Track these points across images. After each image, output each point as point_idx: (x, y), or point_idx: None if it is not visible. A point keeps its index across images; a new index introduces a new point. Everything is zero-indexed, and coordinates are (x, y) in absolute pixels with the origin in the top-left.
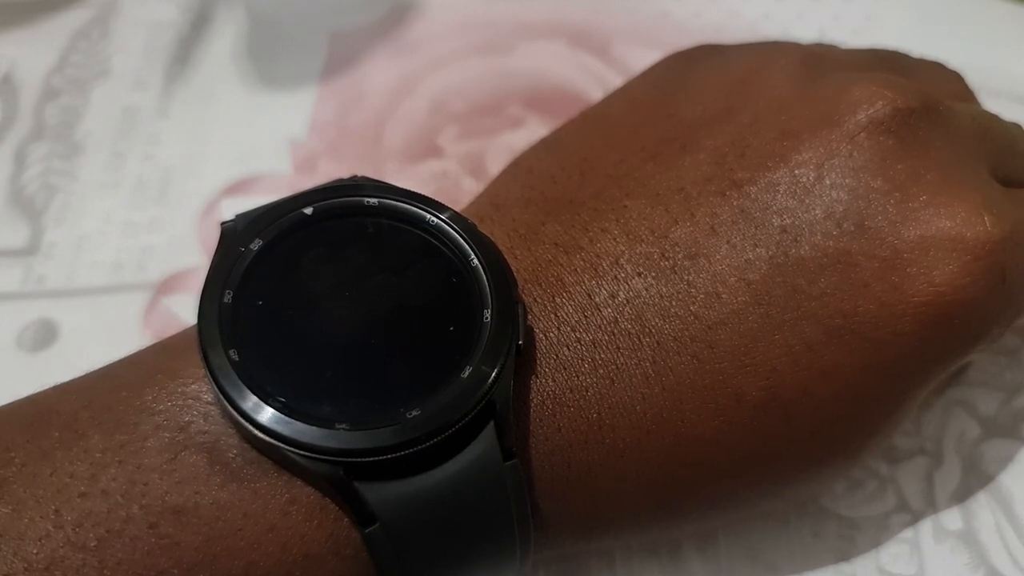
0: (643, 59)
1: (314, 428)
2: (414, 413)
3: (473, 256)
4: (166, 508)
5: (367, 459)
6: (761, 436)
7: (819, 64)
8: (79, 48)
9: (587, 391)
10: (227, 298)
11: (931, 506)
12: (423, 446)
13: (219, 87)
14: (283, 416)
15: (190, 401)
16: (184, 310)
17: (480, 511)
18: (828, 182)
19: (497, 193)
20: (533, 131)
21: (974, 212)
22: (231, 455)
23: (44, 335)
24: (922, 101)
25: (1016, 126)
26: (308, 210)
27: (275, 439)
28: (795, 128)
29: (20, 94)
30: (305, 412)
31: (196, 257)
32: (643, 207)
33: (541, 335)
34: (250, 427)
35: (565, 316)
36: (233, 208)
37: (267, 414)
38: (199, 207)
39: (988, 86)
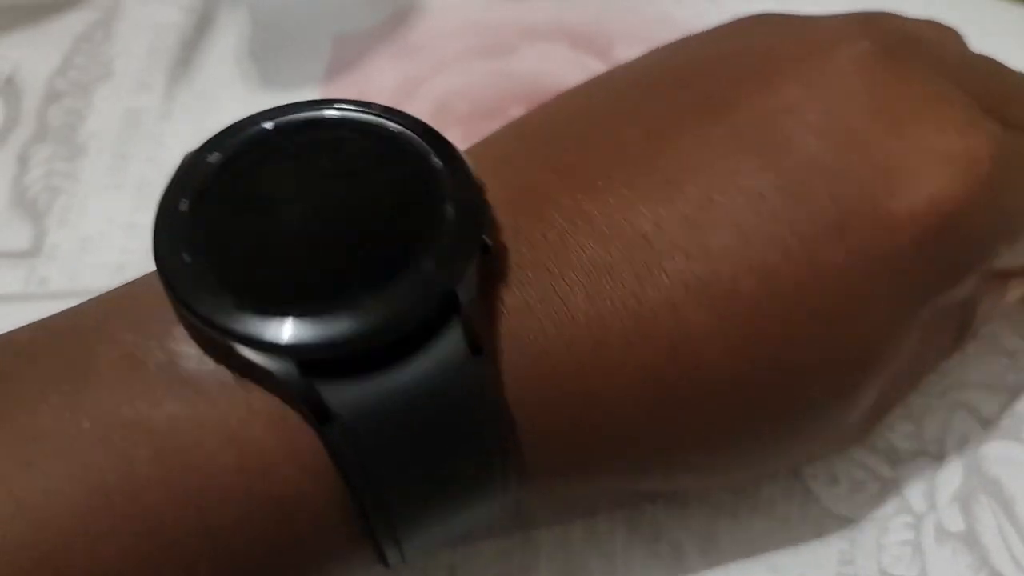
0: None
1: (266, 320)
2: (370, 304)
3: (432, 155)
4: (116, 422)
5: (322, 354)
6: (757, 329)
7: (815, 21)
8: (82, 50)
9: (574, 294)
10: (183, 207)
11: (933, 508)
12: (379, 338)
13: (222, 89)
14: (235, 311)
15: (150, 324)
16: None
17: (445, 408)
18: (815, 102)
19: (492, 136)
20: None
21: (964, 127)
22: (189, 367)
23: None
24: (907, 36)
25: (1018, 75)
26: (268, 124)
27: (227, 335)
28: (782, 61)
29: (23, 96)
30: (257, 307)
31: None
32: (637, 133)
33: (528, 246)
34: (202, 325)
35: (553, 225)
36: None
37: (219, 311)
38: None
39: None
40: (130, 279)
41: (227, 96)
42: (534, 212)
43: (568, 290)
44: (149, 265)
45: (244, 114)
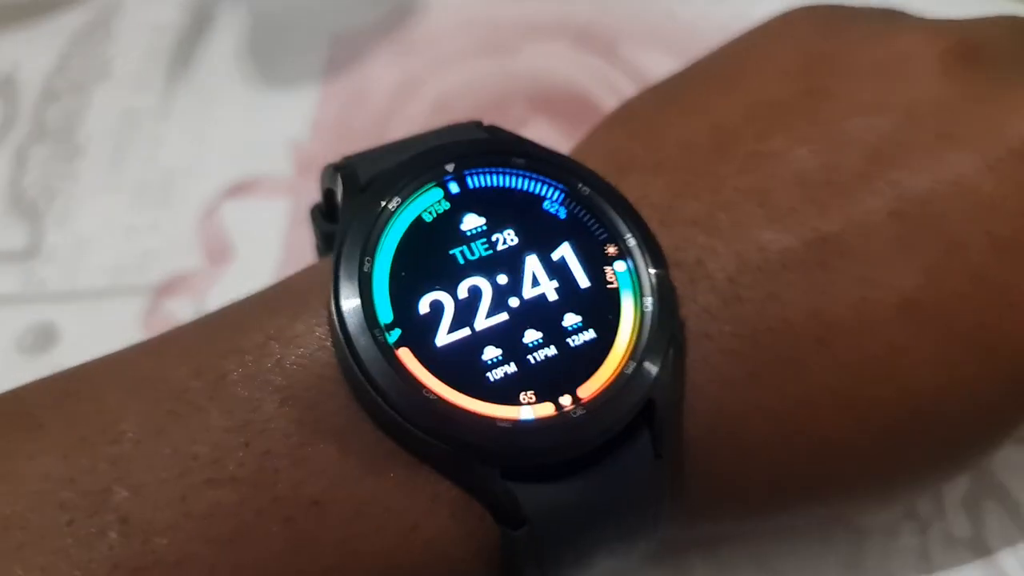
0: (649, 60)
1: (474, 426)
2: (579, 413)
3: (629, 235)
4: (301, 500)
5: (530, 461)
6: (893, 439)
7: (974, 57)
8: (80, 49)
9: (725, 385)
10: (366, 267)
11: (940, 513)
12: (588, 447)
13: (220, 88)
14: (439, 411)
15: (315, 378)
16: (185, 313)
17: (624, 508)
18: (987, 191)
19: (616, 149)
20: (538, 132)
21: None
22: (365, 444)
23: (44, 338)
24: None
25: None
26: (449, 166)
27: (433, 436)
28: (956, 132)
29: (21, 96)
30: (462, 407)
31: (197, 259)
32: (791, 195)
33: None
34: (404, 422)
35: (705, 304)
36: (235, 210)
37: (423, 409)
38: (200, 209)
39: None
40: (128, 280)
41: (226, 95)
42: (687, 286)
43: (720, 384)
44: (146, 267)
45: (242, 114)
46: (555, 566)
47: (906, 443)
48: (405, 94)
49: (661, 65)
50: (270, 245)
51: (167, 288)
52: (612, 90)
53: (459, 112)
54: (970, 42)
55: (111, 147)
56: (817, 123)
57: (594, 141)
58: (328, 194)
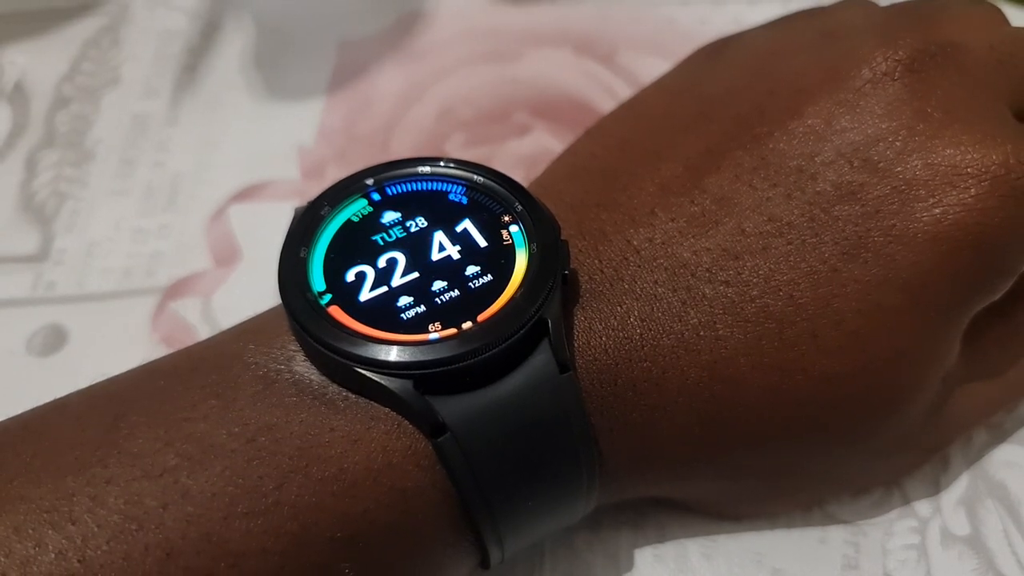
0: (649, 66)
1: (385, 347)
2: (475, 330)
3: (517, 203)
4: (260, 426)
5: (433, 370)
6: (790, 349)
7: (834, 34)
8: (89, 56)
9: (629, 316)
10: (302, 254)
11: (938, 512)
12: (481, 356)
13: (228, 94)
14: (358, 341)
15: (275, 350)
16: (192, 314)
17: (541, 419)
18: (837, 127)
19: (546, 176)
20: (539, 138)
21: (982, 141)
22: (312, 387)
23: (53, 340)
24: (924, 47)
25: None
26: (369, 180)
27: (353, 360)
28: (807, 86)
29: (31, 102)
30: (379, 337)
31: (204, 262)
32: (675, 167)
33: (587, 276)
34: (330, 354)
35: (608, 259)
36: (241, 214)
37: (344, 341)
38: (208, 213)
39: None
40: (136, 283)
41: (233, 101)
42: (591, 249)
43: (624, 315)
44: (154, 270)
45: (249, 119)
46: (493, 478)
47: (804, 351)
48: (409, 100)
49: (660, 71)
50: (276, 247)
51: (174, 289)
52: (612, 96)
53: (463, 118)
54: (828, 26)
55: (120, 152)
56: (697, 117)
57: (539, 176)
58: None
